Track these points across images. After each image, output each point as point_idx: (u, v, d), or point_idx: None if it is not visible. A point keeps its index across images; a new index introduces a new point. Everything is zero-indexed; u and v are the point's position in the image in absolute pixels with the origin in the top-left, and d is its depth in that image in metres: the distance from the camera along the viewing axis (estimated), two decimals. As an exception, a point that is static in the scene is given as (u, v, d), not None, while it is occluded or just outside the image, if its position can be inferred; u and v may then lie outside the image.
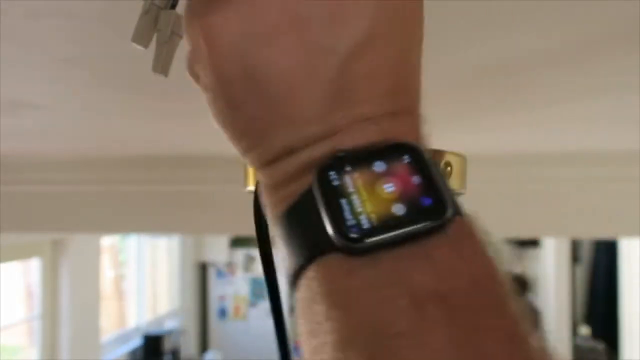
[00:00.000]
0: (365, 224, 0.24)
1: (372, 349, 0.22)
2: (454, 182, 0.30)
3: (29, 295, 3.98)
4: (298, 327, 0.26)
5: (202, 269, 6.64)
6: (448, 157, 0.30)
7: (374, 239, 0.24)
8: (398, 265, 0.23)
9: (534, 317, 0.26)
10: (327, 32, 0.26)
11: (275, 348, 0.37)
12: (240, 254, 6.34)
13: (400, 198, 0.24)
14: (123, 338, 5.22)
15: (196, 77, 0.30)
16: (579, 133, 1.86)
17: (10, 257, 3.64)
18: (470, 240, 0.25)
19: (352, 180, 0.25)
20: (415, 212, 0.24)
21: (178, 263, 6.30)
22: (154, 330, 5.55)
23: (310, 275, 0.25)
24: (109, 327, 4.94)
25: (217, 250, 6.35)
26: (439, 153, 0.30)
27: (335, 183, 0.25)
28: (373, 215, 0.24)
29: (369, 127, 0.26)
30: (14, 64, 0.97)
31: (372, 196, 0.24)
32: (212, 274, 6.57)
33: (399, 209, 0.24)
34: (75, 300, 4.01)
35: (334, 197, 0.25)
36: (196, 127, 1.71)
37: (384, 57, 0.27)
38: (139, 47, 0.34)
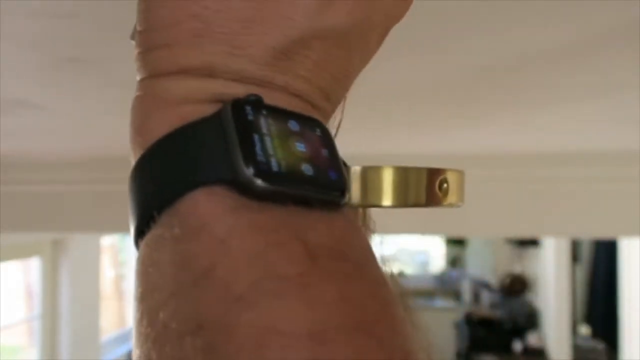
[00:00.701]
0: (275, 167, 0.22)
1: (254, 296, 0.19)
2: (451, 197, 0.29)
3: (29, 295, 3.98)
4: (135, 290, 0.22)
5: (202, 269, 6.64)
6: (446, 175, 0.30)
7: (279, 184, 0.22)
8: (293, 219, 0.22)
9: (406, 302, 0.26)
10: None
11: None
12: (240, 254, 6.34)
13: (311, 161, 0.23)
14: (123, 338, 5.22)
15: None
16: (579, 133, 1.86)
17: (10, 256, 3.63)
18: (357, 226, 0.25)
19: (267, 124, 0.23)
20: (322, 180, 0.23)
21: (178, 263, 6.29)
22: (154, 330, 5.55)
23: (181, 208, 0.22)
24: (109, 327, 4.94)
25: (217, 250, 6.35)
26: (436, 171, 0.29)
27: (250, 118, 0.23)
28: (283, 162, 0.22)
29: (295, 101, 0.25)
30: (14, 64, 0.96)
31: (284, 145, 0.23)
32: (212, 274, 6.57)
33: (308, 170, 0.23)
34: (75, 300, 4.01)
35: (248, 129, 0.22)
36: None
37: (345, 52, 0.26)
38: (139, 47, 0.34)
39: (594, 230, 2.76)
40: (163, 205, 0.22)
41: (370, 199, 0.28)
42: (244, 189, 0.22)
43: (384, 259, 0.25)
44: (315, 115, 0.26)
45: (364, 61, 0.28)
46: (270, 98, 0.24)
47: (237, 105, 0.23)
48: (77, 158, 2.49)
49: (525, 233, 3.71)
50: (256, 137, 0.22)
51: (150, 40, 0.25)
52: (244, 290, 0.20)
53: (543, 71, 1.07)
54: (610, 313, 4.86)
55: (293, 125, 0.24)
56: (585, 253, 5.90)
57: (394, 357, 0.20)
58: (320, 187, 0.23)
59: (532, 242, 5.86)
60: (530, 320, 5.95)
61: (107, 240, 5.03)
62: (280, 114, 0.24)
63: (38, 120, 1.51)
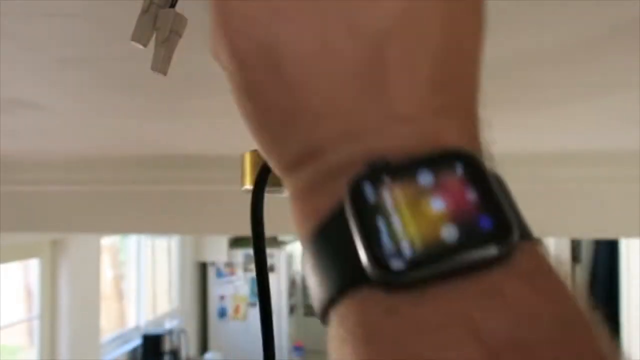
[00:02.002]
0: (408, 252, 0.19)
1: None
2: None
3: (28, 295, 3.98)
4: None
5: (202, 269, 6.64)
6: None
7: (419, 270, 0.19)
8: (456, 303, 0.19)
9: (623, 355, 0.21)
10: (356, 8, 0.21)
11: (274, 348, 0.37)
12: (240, 254, 6.34)
13: (453, 218, 0.19)
14: (123, 338, 5.22)
15: (217, 56, 0.26)
16: (579, 133, 1.86)
17: (10, 257, 3.63)
18: (544, 271, 0.20)
19: (392, 195, 0.20)
20: (471, 236, 0.19)
21: (178, 263, 6.29)
22: (153, 330, 5.55)
23: (342, 311, 0.20)
24: (108, 327, 4.94)
25: (217, 250, 6.35)
26: None
27: (371, 199, 0.20)
28: (417, 240, 0.19)
29: (406, 128, 0.22)
30: (14, 64, 0.96)
31: (416, 215, 0.20)
32: (211, 274, 6.57)
33: (450, 233, 0.19)
34: (75, 300, 4.01)
35: (369, 217, 0.20)
36: (196, 127, 1.71)
37: (425, 40, 0.22)
38: (139, 46, 0.34)
39: (594, 230, 2.76)
40: (330, 305, 0.21)
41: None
42: (387, 286, 0.19)
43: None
44: (444, 124, 0.22)
45: (466, 16, 0.25)
46: (384, 141, 0.21)
47: (354, 187, 0.20)
48: (77, 158, 2.49)
49: (525, 233, 3.70)
50: (381, 223, 0.20)
51: (260, 143, 0.25)
52: None
53: (543, 71, 1.07)
54: (610, 313, 4.85)
55: (424, 177, 0.20)
56: (585, 253, 5.90)
57: None
58: (471, 247, 0.19)
59: (532, 242, 5.84)
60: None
61: (107, 240, 5.03)
62: (405, 170, 0.20)
63: (38, 120, 1.51)
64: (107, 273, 5.06)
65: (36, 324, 3.89)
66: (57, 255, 3.96)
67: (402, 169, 0.20)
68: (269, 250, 0.35)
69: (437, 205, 0.20)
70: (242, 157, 0.35)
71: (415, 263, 0.19)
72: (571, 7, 0.73)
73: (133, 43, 0.34)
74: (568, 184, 2.31)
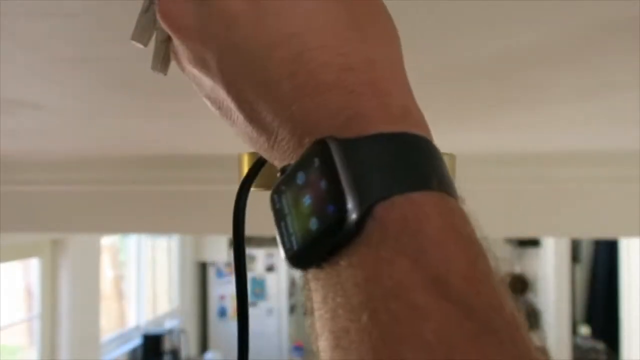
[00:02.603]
0: (294, 245, 0.24)
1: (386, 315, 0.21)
2: None
3: (28, 295, 3.98)
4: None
5: (202, 269, 6.64)
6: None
7: (300, 258, 0.24)
8: (339, 275, 0.23)
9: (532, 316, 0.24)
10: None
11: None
12: (240, 254, 6.33)
13: (314, 210, 0.23)
14: (123, 338, 5.22)
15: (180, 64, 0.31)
16: (579, 133, 1.86)
17: (10, 257, 3.64)
18: (394, 235, 0.22)
19: (286, 201, 0.25)
20: (324, 222, 0.23)
21: (178, 263, 6.30)
22: (153, 330, 5.55)
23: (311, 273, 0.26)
24: (109, 327, 4.94)
25: (217, 250, 6.35)
26: None
27: (277, 206, 0.25)
28: (299, 235, 0.24)
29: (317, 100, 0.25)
30: (14, 64, 0.96)
31: (298, 213, 0.24)
32: (211, 274, 6.57)
33: (314, 224, 0.23)
34: (75, 300, 4.01)
35: (278, 220, 0.25)
36: (196, 127, 1.71)
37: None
38: (139, 46, 0.34)
39: (594, 230, 2.76)
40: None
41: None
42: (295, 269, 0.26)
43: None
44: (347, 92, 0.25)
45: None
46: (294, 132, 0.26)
47: (272, 196, 0.26)
48: (77, 158, 2.49)
49: (525, 233, 3.71)
50: (282, 224, 0.25)
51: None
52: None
53: (543, 71, 1.07)
54: (610, 313, 4.86)
55: (300, 178, 0.24)
56: (585, 253, 5.90)
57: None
58: (325, 234, 0.23)
59: (532, 242, 5.86)
60: (530, 320, 5.91)
61: (107, 241, 5.03)
62: (291, 174, 0.25)
63: (38, 120, 1.51)
64: (107, 273, 5.06)
65: (36, 323, 3.89)
66: (57, 255, 3.97)
67: (290, 174, 0.25)
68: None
69: (306, 201, 0.23)
70: (239, 158, 0.36)
71: (297, 254, 0.24)
72: (571, 6, 0.73)
73: (133, 43, 0.34)
74: (568, 184, 2.31)
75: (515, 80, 1.14)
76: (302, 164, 0.24)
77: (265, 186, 0.33)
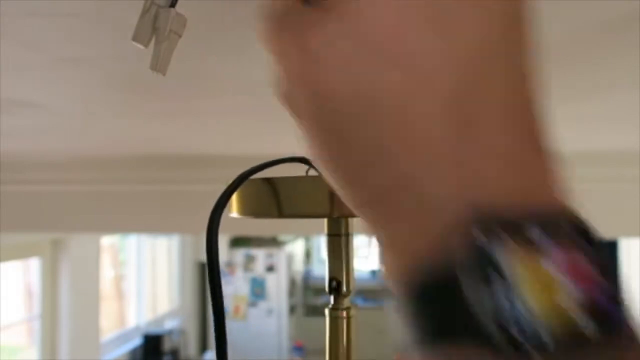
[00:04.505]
0: (543, 333, 0.17)
1: None
2: None
3: (28, 295, 3.98)
4: None
5: (202, 269, 6.64)
6: None
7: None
8: None
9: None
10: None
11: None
12: (240, 254, 6.34)
13: (584, 302, 0.17)
14: (123, 338, 5.22)
15: (289, 102, 0.23)
16: (579, 133, 1.86)
17: (10, 256, 3.64)
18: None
19: (509, 254, 0.18)
20: (605, 326, 0.17)
21: (178, 263, 6.30)
22: (153, 330, 5.56)
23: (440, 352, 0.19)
24: (109, 327, 4.94)
25: (217, 250, 6.35)
26: None
27: (488, 258, 0.18)
28: (554, 321, 0.17)
29: (506, 169, 0.20)
30: (14, 64, 0.97)
31: (539, 285, 0.17)
32: (212, 274, 6.57)
33: (583, 320, 0.17)
34: (75, 300, 4.01)
35: (487, 279, 0.17)
36: (196, 127, 1.71)
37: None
38: (140, 46, 0.34)
39: (593, 230, 2.75)
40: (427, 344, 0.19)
41: None
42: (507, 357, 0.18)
43: None
44: (533, 170, 0.23)
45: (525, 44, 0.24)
46: (489, 185, 0.21)
47: (470, 243, 0.19)
48: (77, 158, 2.49)
49: (525, 233, 3.70)
50: (500, 287, 0.18)
51: (348, 196, 0.23)
52: None
53: (542, 71, 1.07)
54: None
55: (541, 238, 0.19)
56: (585, 253, 5.89)
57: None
58: (607, 340, 0.18)
59: (532, 242, 5.85)
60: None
61: (107, 241, 5.03)
62: (517, 224, 0.19)
63: (38, 120, 1.51)
64: (107, 273, 5.06)
65: (36, 323, 3.89)
66: (57, 255, 3.97)
67: (514, 223, 0.18)
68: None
69: (563, 279, 0.17)
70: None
71: (553, 349, 0.17)
72: (571, 6, 0.73)
73: (134, 43, 0.34)
74: (567, 184, 2.31)
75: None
76: (538, 220, 0.19)
77: (249, 213, 0.31)
